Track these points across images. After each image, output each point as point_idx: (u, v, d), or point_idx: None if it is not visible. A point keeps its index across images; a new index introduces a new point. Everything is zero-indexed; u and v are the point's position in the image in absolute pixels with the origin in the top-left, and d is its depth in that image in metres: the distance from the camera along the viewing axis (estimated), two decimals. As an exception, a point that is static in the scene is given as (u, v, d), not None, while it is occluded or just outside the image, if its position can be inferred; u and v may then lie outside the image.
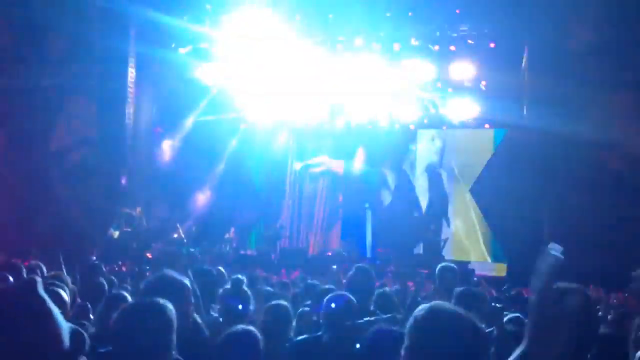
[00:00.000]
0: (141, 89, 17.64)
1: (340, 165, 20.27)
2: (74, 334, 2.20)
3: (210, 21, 17.30)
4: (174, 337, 2.28)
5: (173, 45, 17.62)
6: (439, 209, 18.96)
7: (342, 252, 17.70)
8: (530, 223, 14.71)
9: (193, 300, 3.32)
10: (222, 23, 17.24)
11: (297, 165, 20.61)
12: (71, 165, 17.05)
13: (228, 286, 4.30)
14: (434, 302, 1.71)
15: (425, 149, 19.55)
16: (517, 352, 1.25)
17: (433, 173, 19.33)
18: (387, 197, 19.87)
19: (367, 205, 19.49)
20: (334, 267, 13.65)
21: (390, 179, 19.88)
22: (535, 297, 1.26)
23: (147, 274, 7.49)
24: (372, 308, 4.47)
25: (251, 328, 3.20)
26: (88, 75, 16.95)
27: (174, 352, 2.37)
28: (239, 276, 4.36)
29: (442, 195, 19.11)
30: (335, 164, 20.35)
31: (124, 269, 9.20)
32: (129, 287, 5.92)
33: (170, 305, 2.36)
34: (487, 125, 18.14)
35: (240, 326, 3.24)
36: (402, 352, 1.63)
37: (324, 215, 20.32)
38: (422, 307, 1.69)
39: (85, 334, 2.56)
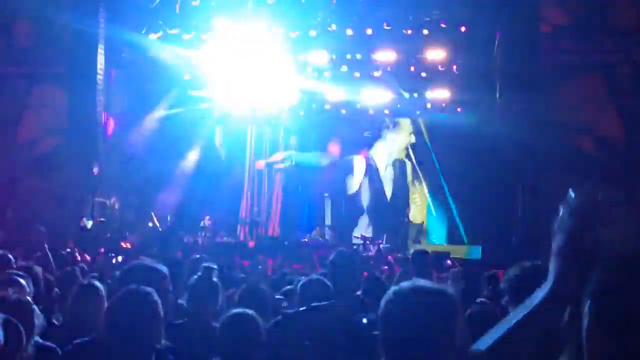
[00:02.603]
0: (112, 75, 17.35)
1: (304, 158, 20.46)
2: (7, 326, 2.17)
3: (181, 6, 17.06)
4: (162, 325, 2.27)
5: (144, 31, 17.33)
6: (401, 198, 19.56)
7: (318, 238, 17.78)
8: (504, 206, 14.85)
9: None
10: (194, 9, 17.03)
11: (260, 164, 20.68)
12: (41, 154, 16.77)
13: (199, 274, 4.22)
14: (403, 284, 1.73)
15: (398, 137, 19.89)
16: (541, 294, 1.20)
17: (399, 163, 19.78)
18: (353, 185, 20.14)
19: (326, 194, 19.80)
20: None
21: (358, 168, 20.13)
22: (570, 220, 1.19)
23: (114, 261, 7.43)
24: (359, 292, 4.44)
25: (249, 311, 3.16)
26: (57, 62, 16.63)
27: (163, 340, 2.36)
28: (210, 265, 4.26)
29: (404, 185, 19.76)
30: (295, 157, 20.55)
31: (78, 257, 8.99)
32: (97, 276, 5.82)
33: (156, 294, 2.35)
34: (459, 109, 18.22)
35: (239, 309, 3.21)
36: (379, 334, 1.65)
37: (282, 206, 20.49)
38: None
39: (20, 327, 2.47)
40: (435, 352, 1.55)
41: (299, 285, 4.43)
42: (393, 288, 1.71)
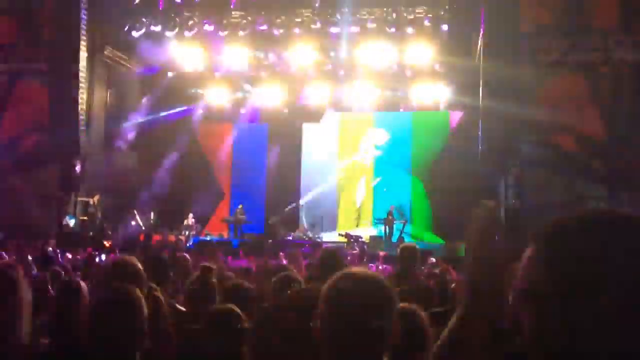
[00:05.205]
0: (94, 73, 17.20)
1: None
2: None
3: (164, 3, 16.98)
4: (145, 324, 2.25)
5: (126, 28, 17.21)
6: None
7: (302, 235, 17.75)
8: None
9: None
10: (177, 5, 16.97)
11: None
12: (23, 152, 16.61)
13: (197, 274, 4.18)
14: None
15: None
16: (454, 319, 1.22)
17: None
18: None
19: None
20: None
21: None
22: (471, 253, 1.21)
23: (97, 260, 7.39)
24: None
25: (233, 307, 3.15)
26: (39, 59, 16.48)
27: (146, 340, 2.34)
28: (208, 265, 4.22)
29: None
30: None
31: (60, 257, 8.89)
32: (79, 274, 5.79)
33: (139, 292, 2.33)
34: (442, 108, 18.29)
35: (223, 305, 3.19)
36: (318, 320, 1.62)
37: None
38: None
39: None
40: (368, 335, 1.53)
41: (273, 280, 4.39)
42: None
